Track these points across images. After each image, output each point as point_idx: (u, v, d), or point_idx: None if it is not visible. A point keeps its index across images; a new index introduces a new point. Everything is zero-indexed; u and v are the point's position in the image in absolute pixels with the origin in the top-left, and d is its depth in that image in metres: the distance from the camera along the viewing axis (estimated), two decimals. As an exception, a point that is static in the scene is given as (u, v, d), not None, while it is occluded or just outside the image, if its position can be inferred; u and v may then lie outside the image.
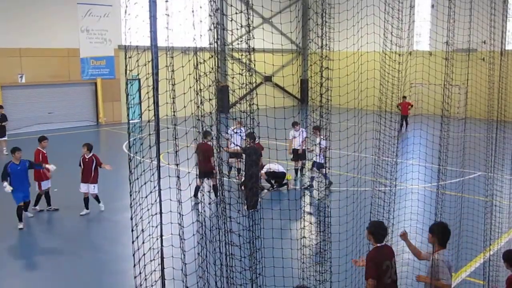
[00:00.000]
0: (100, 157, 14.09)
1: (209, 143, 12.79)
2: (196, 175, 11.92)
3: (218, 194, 13.19)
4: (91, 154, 13.11)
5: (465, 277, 9.30)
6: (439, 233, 6.44)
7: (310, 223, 7.50)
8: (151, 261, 5.82)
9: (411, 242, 7.05)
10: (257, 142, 13.84)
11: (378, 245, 6.37)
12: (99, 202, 13.36)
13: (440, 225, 6.62)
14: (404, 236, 6.93)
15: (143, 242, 5.67)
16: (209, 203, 6.08)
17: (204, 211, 6.00)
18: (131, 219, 5.47)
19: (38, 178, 13.06)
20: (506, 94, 9.80)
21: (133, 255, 5.46)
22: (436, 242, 6.42)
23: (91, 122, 29.22)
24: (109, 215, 13.18)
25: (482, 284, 8.51)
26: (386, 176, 8.19)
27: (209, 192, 11.51)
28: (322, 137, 14.36)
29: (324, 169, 14.13)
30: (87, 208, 13.12)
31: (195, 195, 13.03)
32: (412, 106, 26.48)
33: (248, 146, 13.20)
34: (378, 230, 6.38)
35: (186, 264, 5.93)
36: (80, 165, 13.10)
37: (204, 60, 5.60)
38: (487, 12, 9.52)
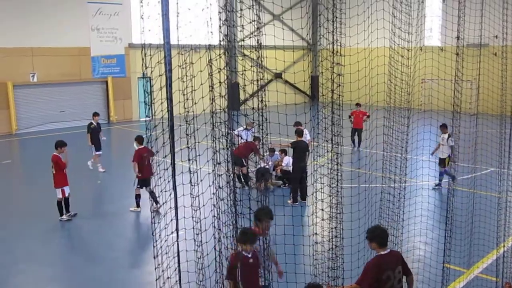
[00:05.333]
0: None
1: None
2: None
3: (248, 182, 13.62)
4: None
5: (477, 273, 9.24)
6: None
7: (322, 219, 7.50)
8: (167, 253, 5.90)
9: None
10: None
11: (382, 253, 5.86)
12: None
13: None
14: None
15: (160, 235, 5.74)
16: (222, 199, 6.11)
17: (220, 206, 6.05)
18: (151, 212, 5.55)
19: (62, 183, 12.12)
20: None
21: (153, 247, 5.54)
22: None
23: (102, 120, 29.29)
24: (120, 212, 13.26)
25: (495, 281, 8.46)
26: (396, 172, 8.17)
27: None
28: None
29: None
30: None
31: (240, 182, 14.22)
32: (368, 116, 18.60)
33: (297, 141, 13.31)
34: (377, 235, 5.89)
35: (203, 256, 6.00)
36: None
37: (220, 55, 5.64)
38: (499, 6, 9.43)
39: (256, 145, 14.08)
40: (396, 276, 5.78)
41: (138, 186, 12.75)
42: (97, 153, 16.87)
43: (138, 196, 12.87)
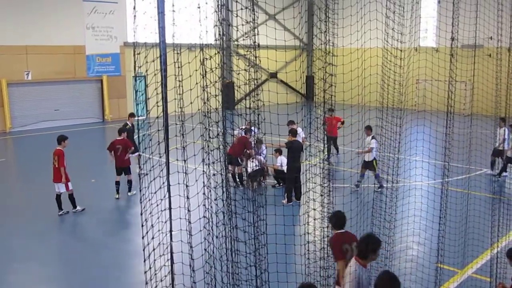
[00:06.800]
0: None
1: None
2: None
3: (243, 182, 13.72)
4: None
5: (471, 274, 9.29)
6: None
7: (314, 219, 7.52)
8: (160, 256, 5.88)
9: None
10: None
11: (338, 231, 6.79)
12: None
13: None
14: None
15: (153, 238, 5.73)
16: (215, 199, 6.11)
17: (211, 207, 6.04)
18: (141, 214, 5.52)
19: (66, 178, 12.38)
20: (514, 90, 9.73)
21: (143, 250, 5.51)
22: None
23: (97, 119, 29.30)
24: (115, 211, 13.25)
25: (488, 281, 8.50)
26: (388, 172, 8.20)
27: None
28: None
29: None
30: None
31: (235, 181, 14.53)
32: (343, 123, 16.54)
33: (292, 141, 13.28)
34: (338, 220, 6.83)
35: (194, 259, 5.98)
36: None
37: (211, 57, 5.64)
38: (493, 8, 9.48)
39: (248, 137, 14.05)
40: (354, 250, 6.45)
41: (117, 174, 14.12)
42: (133, 155, 15.92)
43: (116, 183, 14.10)
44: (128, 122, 16.57)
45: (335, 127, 17.19)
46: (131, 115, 16.79)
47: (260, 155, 14.61)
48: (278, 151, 14.86)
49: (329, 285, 7.14)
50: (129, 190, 14.23)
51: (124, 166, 14.00)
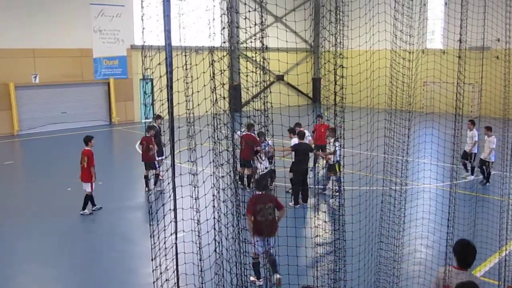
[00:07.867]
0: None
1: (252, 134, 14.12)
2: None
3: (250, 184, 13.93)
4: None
5: (479, 277, 9.22)
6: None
7: (324, 221, 7.50)
8: (166, 255, 5.89)
9: None
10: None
11: (258, 193, 8.35)
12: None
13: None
14: None
15: (159, 237, 5.74)
16: (224, 201, 6.11)
17: (220, 208, 6.05)
18: (149, 213, 5.53)
19: (92, 178, 12.93)
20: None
21: (151, 249, 5.53)
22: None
23: (104, 121, 29.43)
24: (121, 213, 13.28)
25: (497, 284, 8.45)
26: (397, 175, 8.16)
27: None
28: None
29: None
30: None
31: (242, 183, 14.39)
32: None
33: (299, 143, 13.23)
34: (259, 184, 8.59)
35: (203, 260, 5.99)
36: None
37: (220, 58, 5.64)
38: (501, 9, 9.43)
39: (252, 134, 13.97)
40: (267, 209, 8.03)
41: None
42: (159, 158, 15.25)
43: (144, 177, 14.74)
44: (155, 124, 15.84)
45: (323, 134, 15.52)
46: (158, 117, 15.83)
47: (265, 147, 14.33)
48: (292, 131, 14.16)
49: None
50: (154, 184, 14.43)
51: (149, 161, 14.60)
